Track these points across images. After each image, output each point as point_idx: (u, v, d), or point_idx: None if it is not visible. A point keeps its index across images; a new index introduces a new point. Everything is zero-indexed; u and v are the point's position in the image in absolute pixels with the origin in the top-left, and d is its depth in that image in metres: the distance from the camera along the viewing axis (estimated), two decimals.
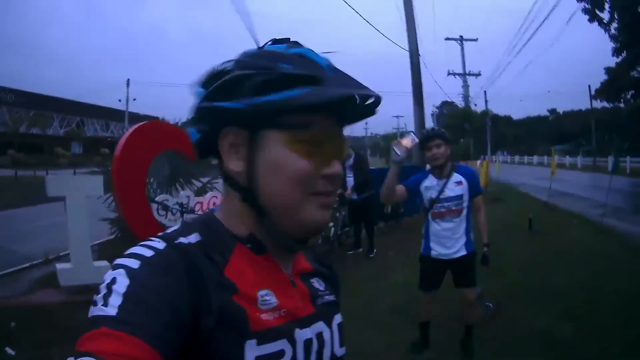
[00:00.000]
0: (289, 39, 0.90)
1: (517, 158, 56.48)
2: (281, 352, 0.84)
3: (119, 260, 0.75)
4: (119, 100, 55.26)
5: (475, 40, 38.64)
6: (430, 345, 4.70)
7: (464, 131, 32.71)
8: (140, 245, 0.79)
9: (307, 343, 0.90)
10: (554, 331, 4.94)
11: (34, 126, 52.12)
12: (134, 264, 0.74)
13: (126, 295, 0.69)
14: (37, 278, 7.85)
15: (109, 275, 0.73)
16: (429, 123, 17.76)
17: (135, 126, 5.97)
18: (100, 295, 0.70)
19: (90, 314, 0.69)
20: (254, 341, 0.80)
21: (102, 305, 0.68)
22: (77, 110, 62.16)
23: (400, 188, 4.28)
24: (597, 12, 20.98)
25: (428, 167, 5.21)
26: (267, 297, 0.86)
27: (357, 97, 0.88)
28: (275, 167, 0.85)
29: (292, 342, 0.86)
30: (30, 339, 5.00)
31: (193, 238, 0.84)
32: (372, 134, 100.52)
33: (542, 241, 9.33)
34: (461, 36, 37.80)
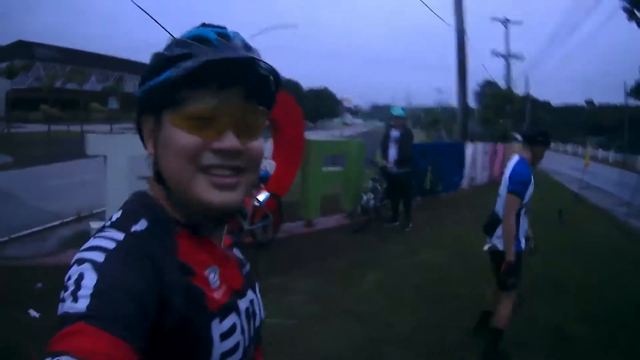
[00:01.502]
0: (204, 23, 0.92)
1: (552, 145, 55.86)
2: (234, 326, 0.89)
3: (82, 254, 0.75)
4: None
5: (520, 23, 37.93)
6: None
7: (504, 112, 32.28)
8: (100, 237, 0.79)
9: (247, 311, 0.97)
10: (570, 329, 4.85)
11: (70, 81, 52.63)
12: (99, 257, 0.74)
13: (95, 290, 0.68)
14: (67, 237, 7.70)
15: (75, 271, 0.72)
16: (471, 101, 17.65)
17: None
18: (68, 291, 0.70)
19: (60, 311, 0.69)
20: (217, 319, 0.85)
21: (71, 301, 0.68)
22: (116, 66, 62.63)
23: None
24: (636, 12, 20.29)
25: (516, 157, 4.24)
26: (213, 275, 0.89)
27: (259, 65, 0.86)
28: (165, 145, 0.86)
29: (238, 313, 0.93)
30: (56, 301, 4.84)
31: (142, 225, 0.84)
32: (411, 105, 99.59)
33: (568, 234, 9.12)
34: (506, 18, 36.98)
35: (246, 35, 0.92)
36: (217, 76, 0.82)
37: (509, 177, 4.04)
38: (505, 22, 36.58)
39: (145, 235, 0.82)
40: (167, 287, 0.76)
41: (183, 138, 0.83)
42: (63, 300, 0.69)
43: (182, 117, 0.83)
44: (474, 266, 5.99)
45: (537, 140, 4.11)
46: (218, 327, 0.84)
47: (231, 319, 0.89)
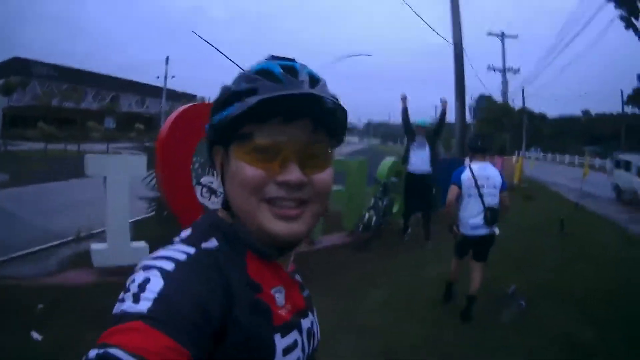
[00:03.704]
0: (272, 55, 0.94)
1: (549, 156, 56.04)
2: (296, 342, 0.92)
3: (150, 262, 0.77)
4: (157, 77, 55.35)
5: (516, 37, 38.55)
6: None
7: (501, 126, 32.52)
8: (171, 249, 0.82)
9: (308, 331, 1.00)
10: (576, 336, 4.91)
11: (67, 100, 52.69)
12: (169, 265, 0.76)
13: (160, 295, 0.69)
14: (67, 257, 7.60)
15: (140, 275, 0.74)
16: (468, 116, 17.87)
17: (182, 107, 5.86)
18: (129, 293, 0.71)
19: (116, 310, 0.70)
20: (279, 334, 0.87)
21: (132, 302, 0.69)
22: (112, 85, 62.91)
23: None
24: (633, 20, 20.38)
25: (467, 160, 5.92)
26: (278, 294, 0.92)
27: (323, 100, 0.86)
28: (231, 177, 0.90)
29: (300, 332, 0.95)
30: (58, 322, 4.77)
31: (212, 243, 0.87)
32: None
33: (572, 243, 9.25)
34: (502, 32, 37.55)
35: (318, 64, 0.95)
36: (280, 111, 0.84)
37: (502, 177, 5.44)
38: (502, 36, 36.92)
39: (216, 252, 0.84)
40: (234, 301, 0.79)
41: (247, 171, 0.86)
42: (122, 301, 0.70)
43: (246, 151, 0.86)
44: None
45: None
46: (281, 342, 0.87)
47: (293, 336, 0.92)
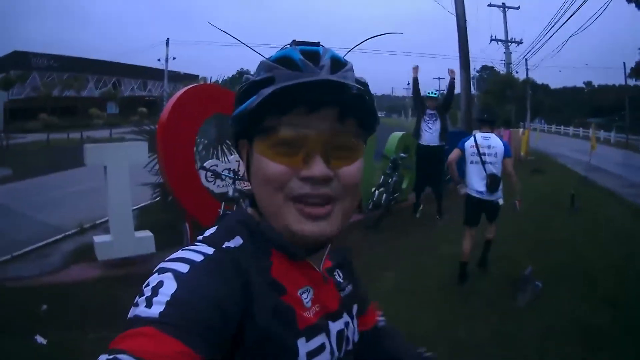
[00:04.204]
0: (295, 40, 0.87)
1: (553, 127, 56.00)
2: (323, 346, 0.86)
3: (165, 264, 0.74)
4: (158, 60, 54.90)
5: (517, 8, 38.28)
6: None
7: (504, 98, 32.31)
8: (188, 250, 0.77)
9: (339, 334, 0.93)
10: (593, 318, 4.74)
11: (68, 89, 52.62)
12: (183, 268, 0.72)
13: (173, 299, 0.67)
14: (70, 251, 7.44)
15: (154, 278, 0.71)
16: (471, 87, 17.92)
17: (183, 89, 5.74)
18: (143, 297, 0.68)
19: (130, 315, 0.68)
20: (303, 338, 0.82)
21: (145, 306, 0.66)
22: (113, 71, 62.64)
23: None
24: None
25: (475, 132, 6.12)
26: (306, 295, 0.86)
27: (346, 86, 0.78)
28: (256, 173, 0.85)
29: (328, 334, 0.89)
30: (63, 322, 4.62)
31: (236, 241, 0.82)
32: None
33: (583, 219, 9.02)
34: (504, 3, 37.42)
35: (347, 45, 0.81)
36: (300, 100, 0.78)
37: (505, 146, 5.78)
38: (503, 7, 36.75)
39: (238, 252, 0.80)
40: (254, 302, 0.75)
41: (269, 166, 0.81)
42: (136, 305, 0.68)
43: (268, 145, 0.81)
44: (493, 256, 6.24)
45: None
46: (305, 345, 0.81)
47: (320, 339, 0.86)
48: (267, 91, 0.77)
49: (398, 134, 10.42)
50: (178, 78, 47.55)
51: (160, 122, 5.49)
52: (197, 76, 47.96)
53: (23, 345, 4.20)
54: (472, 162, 5.75)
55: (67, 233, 8.37)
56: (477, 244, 5.98)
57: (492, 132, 5.91)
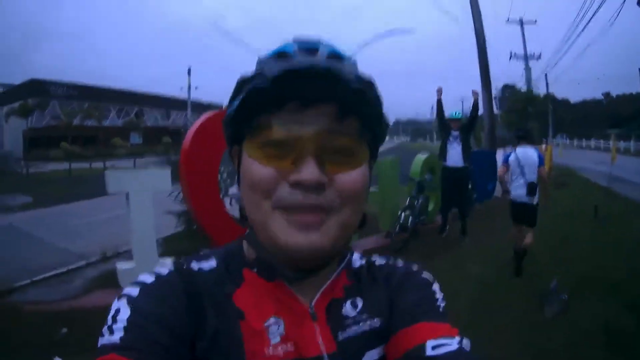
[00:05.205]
0: (296, 37, 0.77)
1: (575, 142, 55.83)
2: None
3: (123, 290, 0.73)
4: (181, 89, 55.71)
5: (534, 22, 38.52)
6: None
7: (526, 115, 32.15)
8: (148, 272, 0.76)
9: None
10: (618, 323, 4.76)
11: (89, 118, 53.16)
12: (134, 292, 0.72)
13: (129, 324, 0.68)
14: (92, 278, 7.46)
15: (114, 306, 0.71)
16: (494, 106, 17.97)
17: (205, 116, 5.64)
18: (106, 326, 0.69)
19: (98, 344, 0.68)
20: None
21: (108, 335, 0.68)
22: (135, 101, 63.54)
23: None
24: None
25: (506, 150, 7.08)
26: (275, 328, 0.75)
27: (341, 74, 0.68)
28: (242, 178, 0.77)
29: None
30: (82, 346, 4.49)
31: (208, 264, 0.80)
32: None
33: (607, 230, 9.01)
34: (521, 19, 37.66)
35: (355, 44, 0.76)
36: (292, 94, 0.70)
37: (539, 157, 6.66)
38: (521, 23, 36.95)
39: (204, 274, 0.78)
40: (201, 325, 0.72)
41: (256, 169, 0.73)
42: (102, 335, 0.68)
43: (256, 145, 0.73)
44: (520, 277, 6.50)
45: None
46: None
47: None
48: (253, 84, 0.70)
49: (423, 156, 10.31)
50: (202, 108, 47.83)
51: (183, 150, 5.44)
52: (222, 106, 48.40)
53: None
54: (515, 173, 6.70)
55: (89, 261, 8.32)
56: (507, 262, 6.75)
57: (528, 146, 6.80)
